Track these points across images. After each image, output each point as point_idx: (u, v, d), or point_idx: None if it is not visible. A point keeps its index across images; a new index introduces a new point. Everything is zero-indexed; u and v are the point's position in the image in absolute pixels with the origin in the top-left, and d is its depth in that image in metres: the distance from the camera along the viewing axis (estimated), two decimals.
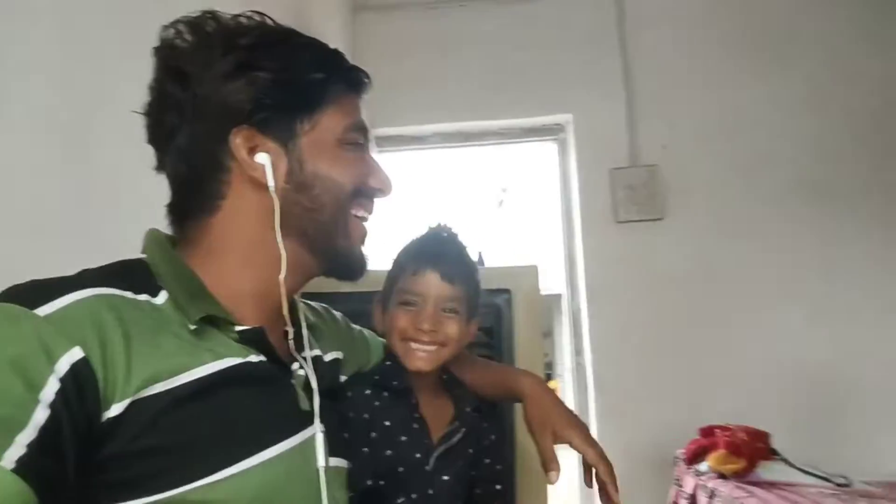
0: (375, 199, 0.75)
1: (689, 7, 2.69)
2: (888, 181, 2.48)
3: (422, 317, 0.91)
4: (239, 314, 0.65)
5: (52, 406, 0.48)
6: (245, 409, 0.60)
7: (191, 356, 0.58)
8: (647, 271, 2.49)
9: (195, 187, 0.67)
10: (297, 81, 0.67)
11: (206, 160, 0.66)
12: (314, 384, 0.69)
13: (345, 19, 2.69)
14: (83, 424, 0.50)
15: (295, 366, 0.69)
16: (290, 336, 0.71)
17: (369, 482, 0.83)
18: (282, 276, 0.66)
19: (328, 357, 0.82)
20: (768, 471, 1.87)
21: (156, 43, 0.67)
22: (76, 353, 0.51)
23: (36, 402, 0.48)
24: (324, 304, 0.93)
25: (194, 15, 0.67)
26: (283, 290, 0.67)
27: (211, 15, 0.67)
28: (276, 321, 0.69)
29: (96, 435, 0.51)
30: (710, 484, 1.84)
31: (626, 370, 2.41)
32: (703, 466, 1.93)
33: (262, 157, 0.65)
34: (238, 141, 0.64)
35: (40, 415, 0.48)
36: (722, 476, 1.84)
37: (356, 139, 0.71)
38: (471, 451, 0.95)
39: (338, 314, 0.95)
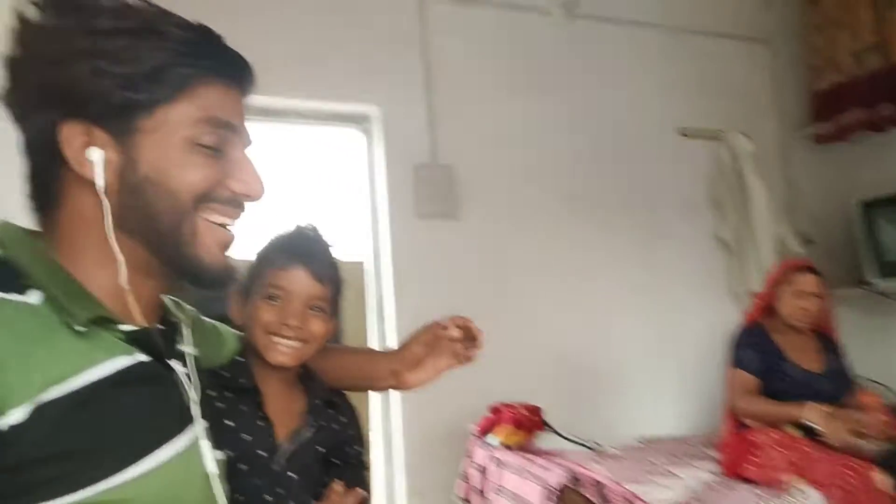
0: (242, 203, 0.69)
1: (483, 22, 2.92)
2: (631, 193, 3.05)
3: (287, 312, 0.92)
4: (126, 313, 0.63)
5: None
6: (141, 410, 0.60)
7: (85, 357, 0.56)
8: (445, 266, 2.69)
9: (38, 180, 0.63)
10: (143, 75, 0.60)
11: (43, 153, 0.61)
12: (193, 383, 0.69)
13: None
14: None
15: (175, 364, 0.68)
16: (175, 334, 0.71)
17: None
18: (122, 282, 0.62)
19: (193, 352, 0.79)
20: (541, 440, 2.20)
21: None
22: None
23: None
24: (174, 298, 0.87)
25: None
26: (129, 299, 0.63)
27: None
28: (148, 317, 0.67)
29: None
30: (498, 454, 2.09)
31: None
32: (492, 440, 2.18)
33: (92, 153, 0.60)
34: (67, 135, 0.60)
35: None
36: (507, 447, 2.11)
37: (211, 136, 0.64)
38: (323, 449, 0.96)
39: (189, 308, 0.90)
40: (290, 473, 0.91)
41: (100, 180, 0.60)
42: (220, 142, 0.65)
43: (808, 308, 2.02)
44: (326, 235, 1.03)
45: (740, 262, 3.12)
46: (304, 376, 1.00)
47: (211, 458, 0.66)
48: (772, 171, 3.30)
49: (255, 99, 2.46)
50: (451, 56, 2.85)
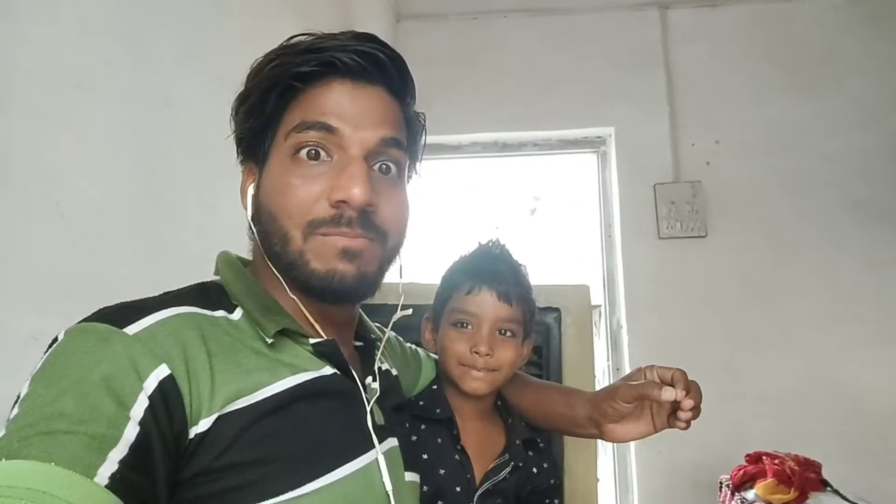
0: (348, 213, 0.62)
1: (731, 22, 2.66)
2: None
3: (477, 338, 0.88)
4: (310, 328, 0.65)
5: (142, 423, 0.48)
6: (325, 423, 0.60)
7: (270, 371, 0.58)
8: (689, 288, 2.44)
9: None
10: (256, 99, 0.64)
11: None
12: (368, 399, 0.67)
13: (387, 28, 2.69)
14: (171, 441, 0.50)
15: (368, 379, 0.68)
16: (371, 351, 0.72)
17: None
18: (288, 291, 0.64)
19: (393, 370, 0.81)
20: (819, 503, 1.80)
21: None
22: (163, 371, 0.51)
23: (127, 419, 0.48)
24: (377, 324, 0.90)
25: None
26: (300, 304, 0.65)
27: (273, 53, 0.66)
28: (344, 336, 0.69)
29: (184, 451, 0.51)
30: None
31: None
32: (750, 495, 1.86)
33: (250, 188, 0.66)
34: (243, 174, 0.66)
35: (131, 432, 0.48)
36: None
37: (307, 141, 0.61)
38: (518, 493, 0.90)
39: (391, 332, 0.91)
40: None
41: (248, 210, 0.66)
42: (319, 146, 0.62)
43: None
44: (514, 254, 0.98)
45: None
46: (503, 410, 0.95)
47: (388, 477, 0.63)
48: None
49: (496, 135, 2.62)
50: (694, 64, 2.65)
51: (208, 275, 0.67)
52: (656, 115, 2.61)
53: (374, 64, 0.63)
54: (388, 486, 0.63)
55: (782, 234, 2.46)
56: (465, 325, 0.90)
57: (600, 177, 2.73)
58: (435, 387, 0.93)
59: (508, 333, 0.90)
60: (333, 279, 0.61)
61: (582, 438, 0.97)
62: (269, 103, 0.63)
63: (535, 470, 0.92)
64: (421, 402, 0.90)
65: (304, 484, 0.55)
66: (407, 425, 0.83)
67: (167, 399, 0.50)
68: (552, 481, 0.93)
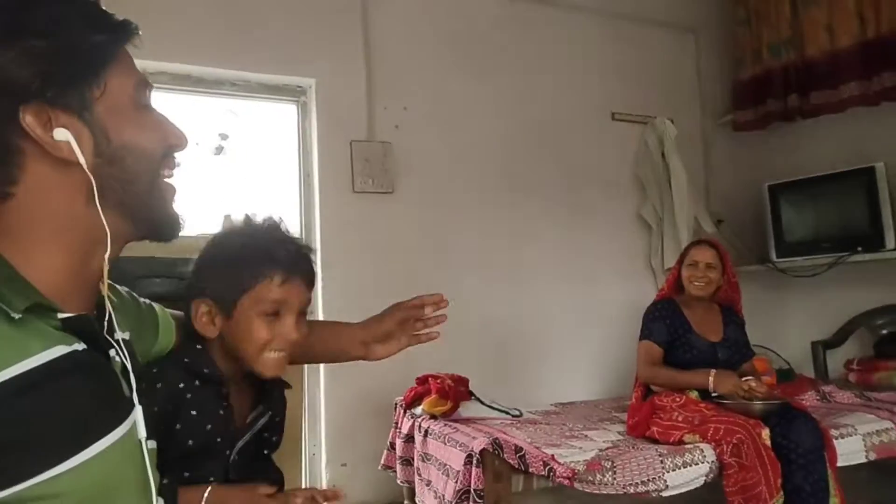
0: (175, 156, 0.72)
1: (419, 4, 2.94)
2: (561, 172, 3.17)
3: (287, 326, 0.89)
4: (55, 300, 0.61)
5: None
6: (77, 400, 0.59)
7: (18, 348, 0.55)
8: (378, 239, 2.73)
9: None
10: (77, 44, 0.61)
11: None
12: (130, 367, 0.68)
13: None
14: None
15: (112, 352, 0.67)
16: (109, 320, 0.68)
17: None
18: (107, 255, 0.64)
19: (125, 336, 0.77)
20: (466, 409, 2.30)
21: None
22: None
23: None
24: (108, 281, 0.86)
25: None
26: (105, 269, 0.65)
27: None
28: (86, 303, 0.67)
29: None
30: (424, 424, 2.17)
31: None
32: (418, 410, 2.26)
33: (62, 134, 0.60)
34: (29, 119, 0.59)
35: None
36: (433, 417, 2.19)
37: (146, 96, 0.68)
38: (266, 434, 0.97)
39: (122, 288, 0.88)
40: (238, 458, 0.92)
41: (81, 158, 0.61)
42: (150, 100, 0.69)
43: (698, 276, 2.18)
44: (288, 230, 0.97)
45: (660, 241, 3.30)
46: None
47: (143, 430, 0.65)
48: (693, 155, 3.49)
49: (190, 68, 2.43)
50: (391, 32, 2.86)
51: None
52: (354, 75, 2.77)
53: (132, 29, 0.68)
54: (145, 443, 0.65)
55: (452, 194, 2.92)
56: (273, 313, 0.89)
57: (300, 126, 2.79)
58: (199, 346, 0.91)
59: (305, 314, 0.95)
60: (179, 222, 0.71)
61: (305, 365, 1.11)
62: (102, 56, 0.63)
63: (277, 416, 1.00)
64: (186, 360, 0.89)
65: (58, 463, 0.54)
66: (159, 382, 0.84)
67: None
68: (281, 418, 1.02)
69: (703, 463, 1.82)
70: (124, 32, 0.66)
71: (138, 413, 0.66)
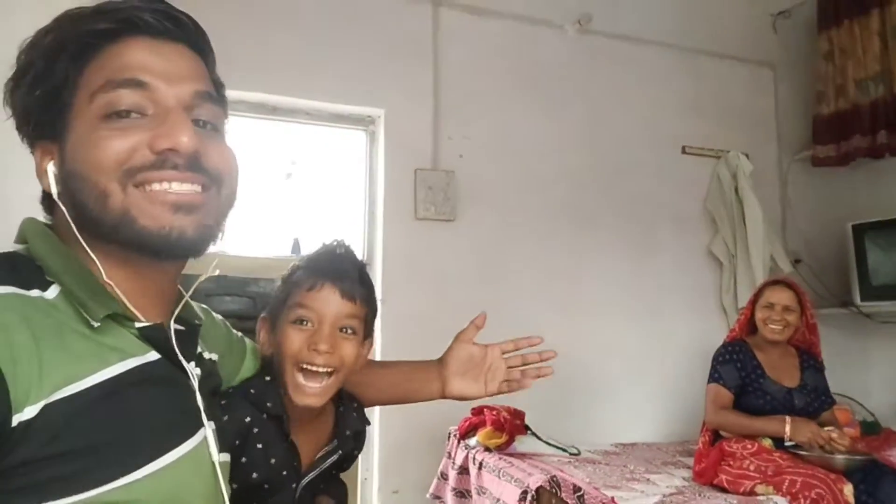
0: (173, 160, 0.60)
1: (490, 32, 2.99)
2: (629, 205, 3.11)
3: (318, 336, 0.86)
4: (136, 310, 0.63)
5: None
6: (153, 409, 0.60)
7: (98, 357, 0.56)
8: (438, 267, 2.74)
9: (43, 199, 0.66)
10: (40, 70, 0.60)
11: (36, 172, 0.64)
12: (197, 383, 0.68)
13: None
14: None
15: (189, 365, 0.68)
16: (190, 334, 0.70)
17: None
18: (105, 277, 0.61)
19: (211, 356, 0.79)
20: (522, 444, 2.24)
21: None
22: None
23: None
24: (204, 306, 0.87)
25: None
26: (116, 291, 0.61)
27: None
28: (164, 317, 0.68)
29: (7, 439, 0.49)
30: (479, 456, 2.13)
31: (412, 355, 2.62)
32: (472, 441, 2.22)
33: (49, 166, 0.62)
34: (37, 156, 0.63)
35: None
36: (487, 449, 2.14)
37: (116, 102, 0.59)
38: (334, 472, 0.97)
39: (217, 316, 0.90)
40: (304, 492, 0.92)
41: (54, 189, 0.61)
42: (132, 103, 0.59)
43: (774, 319, 2.05)
44: (356, 253, 0.97)
45: (732, 278, 3.15)
46: (337, 398, 0.96)
47: (215, 452, 0.65)
48: (769, 191, 3.35)
49: (267, 97, 2.56)
50: (460, 64, 2.92)
51: None
52: (422, 105, 2.83)
53: (173, 21, 0.63)
54: (216, 458, 0.66)
55: (512, 224, 2.90)
56: (305, 321, 0.87)
57: (368, 155, 2.87)
58: (268, 378, 0.90)
59: (350, 331, 0.89)
60: (171, 235, 0.59)
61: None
62: (60, 68, 0.59)
63: (356, 452, 1.00)
64: (252, 391, 0.88)
65: (134, 470, 0.55)
66: (227, 415, 0.84)
67: None
68: (358, 452, 1.02)
69: None
70: (101, 34, 0.60)
71: (209, 427, 0.66)
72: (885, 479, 1.71)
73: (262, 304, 1.04)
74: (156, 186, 0.59)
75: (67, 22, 0.60)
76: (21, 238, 0.61)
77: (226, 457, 0.70)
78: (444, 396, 1.02)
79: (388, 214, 2.74)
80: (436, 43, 2.90)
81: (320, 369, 0.86)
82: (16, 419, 0.49)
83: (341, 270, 0.89)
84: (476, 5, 2.96)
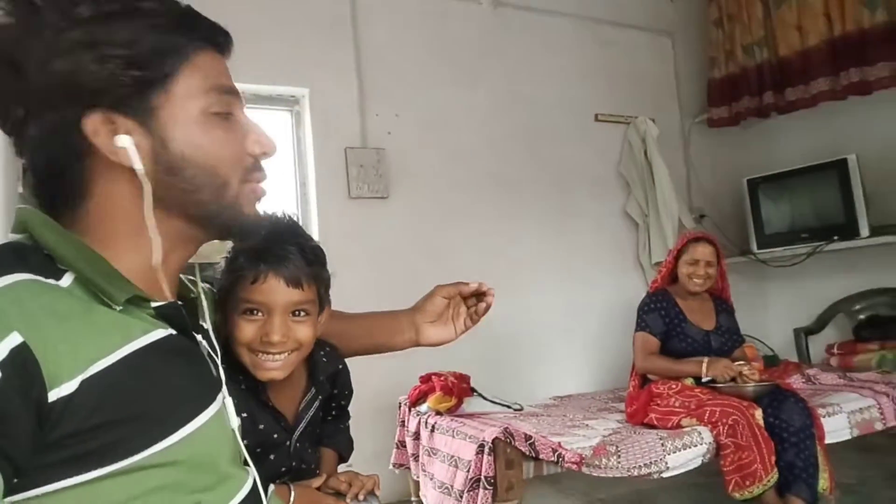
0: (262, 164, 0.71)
1: (408, 15, 3.02)
2: (549, 173, 3.27)
3: (269, 328, 0.85)
4: (154, 290, 0.66)
5: None
6: (181, 377, 0.64)
7: (123, 332, 0.59)
8: (373, 245, 2.79)
9: (59, 177, 0.63)
10: (146, 51, 0.61)
11: (63, 150, 0.61)
12: (216, 352, 0.74)
13: None
14: (33, 406, 0.51)
15: (199, 337, 0.73)
16: (197, 308, 0.76)
17: None
18: (156, 261, 0.65)
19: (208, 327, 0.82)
20: (469, 405, 2.36)
21: None
22: (14, 339, 0.51)
23: None
24: (192, 278, 0.86)
25: None
26: (160, 275, 0.66)
27: None
28: (169, 295, 0.71)
29: (47, 415, 0.52)
30: (430, 420, 2.23)
31: None
32: (424, 407, 2.32)
33: (123, 140, 0.61)
34: (92, 127, 0.60)
35: None
36: (438, 413, 2.25)
37: (221, 105, 0.66)
38: (322, 413, 1.02)
39: (204, 285, 0.88)
40: (298, 444, 0.95)
41: (138, 164, 0.61)
42: (228, 108, 0.67)
43: (698, 274, 2.27)
44: (299, 228, 0.94)
45: (646, 236, 3.41)
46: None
47: (234, 416, 0.71)
48: (673, 153, 3.62)
49: None
50: (380, 41, 2.93)
51: None
52: (346, 84, 2.83)
53: (224, 35, 0.71)
54: (235, 424, 0.72)
55: (442, 198, 2.99)
56: (254, 312, 0.86)
57: (294, 135, 2.84)
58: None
59: (302, 314, 0.88)
60: (261, 222, 0.74)
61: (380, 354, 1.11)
62: (170, 61, 0.63)
63: (335, 391, 1.04)
64: (224, 366, 0.89)
65: (171, 433, 0.59)
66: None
67: (22, 366, 0.50)
68: (346, 391, 1.07)
69: (701, 444, 1.91)
70: (203, 40, 0.66)
71: (225, 391, 0.72)
72: (787, 401, 1.97)
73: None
74: (252, 181, 0.70)
75: (169, 6, 0.65)
76: (20, 228, 0.62)
77: (238, 421, 0.74)
78: (417, 344, 1.08)
79: (320, 195, 2.74)
80: (355, 21, 2.89)
81: (277, 357, 0.86)
82: (53, 395, 0.52)
83: (283, 257, 0.86)
84: None
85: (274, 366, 0.87)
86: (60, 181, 0.63)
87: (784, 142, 3.41)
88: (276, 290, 0.85)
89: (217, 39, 0.69)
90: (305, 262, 0.88)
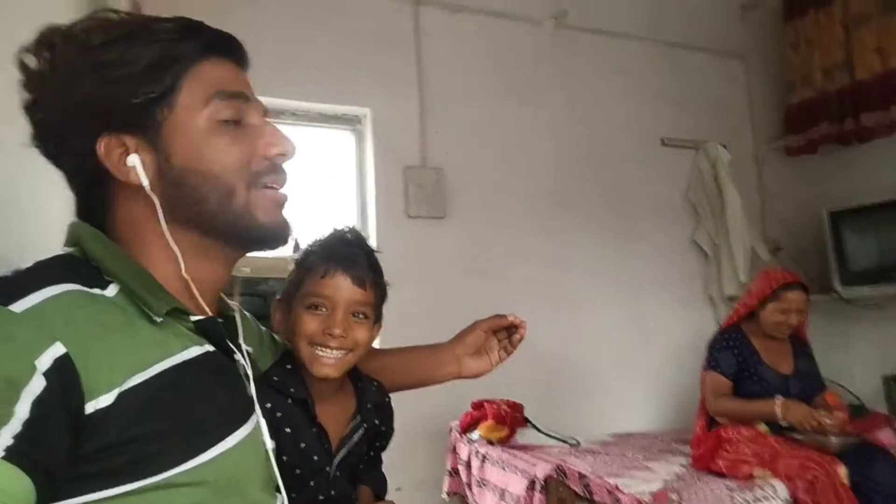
0: (281, 166, 0.70)
1: (470, 35, 3.00)
2: (612, 197, 3.16)
3: (332, 321, 0.89)
4: (191, 304, 0.67)
5: (37, 400, 0.49)
6: (214, 395, 0.64)
7: (162, 347, 0.60)
8: (431, 264, 2.75)
9: (90, 197, 0.67)
10: (145, 67, 0.63)
11: (87, 174, 0.65)
12: (249, 372, 0.72)
13: None
14: (69, 416, 0.51)
15: (236, 356, 0.72)
16: (234, 326, 0.74)
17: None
18: (184, 273, 0.65)
19: (248, 348, 0.82)
20: (523, 436, 2.27)
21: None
22: (58, 349, 0.52)
23: (18, 396, 0.48)
24: (233, 301, 0.89)
25: (38, 36, 0.63)
26: (192, 285, 0.67)
27: (53, 29, 0.63)
28: (211, 308, 0.71)
29: (85, 426, 0.52)
30: (482, 450, 2.15)
31: None
32: (475, 435, 2.24)
33: (132, 160, 0.63)
34: (104, 150, 0.63)
35: (23, 408, 0.48)
36: (490, 442, 2.17)
37: (228, 111, 0.66)
38: (366, 447, 0.99)
39: (247, 313, 0.93)
40: (339, 473, 0.93)
41: (145, 181, 0.63)
42: (238, 113, 0.67)
43: (791, 324, 2.10)
44: (366, 239, 1.00)
45: (716, 268, 3.23)
46: (355, 377, 0.99)
47: (268, 438, 0.70)
48: (746, 181, 3.44)
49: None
50: (441, 61, 2.92)
51: None
52: (407, 103, 2.83)
53: (232, 43, 0.71)
54: (270, 445, 0.70)
55: (499, 219, 2.92)
56: (318, 307, 0.90)
57: (357, 154, 2.86)
58: (289, 366, 0.94)
59: (362, 316, 0.92)
60: (285, 230, 0.71)
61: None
62: (170, 74, 0.64)
63: (383, 428, 1.02)
64: (275, 378, 0.91)
65: (201, 453, 0.58)
66: (267, 403, 0.85)
67: (63, 376, 0.51)
68: (391, 430, 1.04)
69: (775, 499, 1.75)
70: (202, 48, 0.66)
71: (259, 412, 0.70)
72: (876, 458, 1.79)
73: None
74: (272, 188, 0.70)
75: (173, 23, 0.65)
76: (72, 241, 0.64)
77: (272, 444, 0.73)
78: (459, 377, 1.10)
79: (379, 213, 2.74)
80: (417, 41, 2.90)
81: (334, 352, 0.90)
82: (91, 407, 0.52)
83: (352, 257, 0.92)
84: (455, 2, 2.97)
85: (330, 361, 0.90)
86: (93, 200, 0.67)
87: (866, 171, 3.17)
88: (343, 287, 0.90)
89: (222, 46, 0.68)
90: (370, 268, 0.94)
